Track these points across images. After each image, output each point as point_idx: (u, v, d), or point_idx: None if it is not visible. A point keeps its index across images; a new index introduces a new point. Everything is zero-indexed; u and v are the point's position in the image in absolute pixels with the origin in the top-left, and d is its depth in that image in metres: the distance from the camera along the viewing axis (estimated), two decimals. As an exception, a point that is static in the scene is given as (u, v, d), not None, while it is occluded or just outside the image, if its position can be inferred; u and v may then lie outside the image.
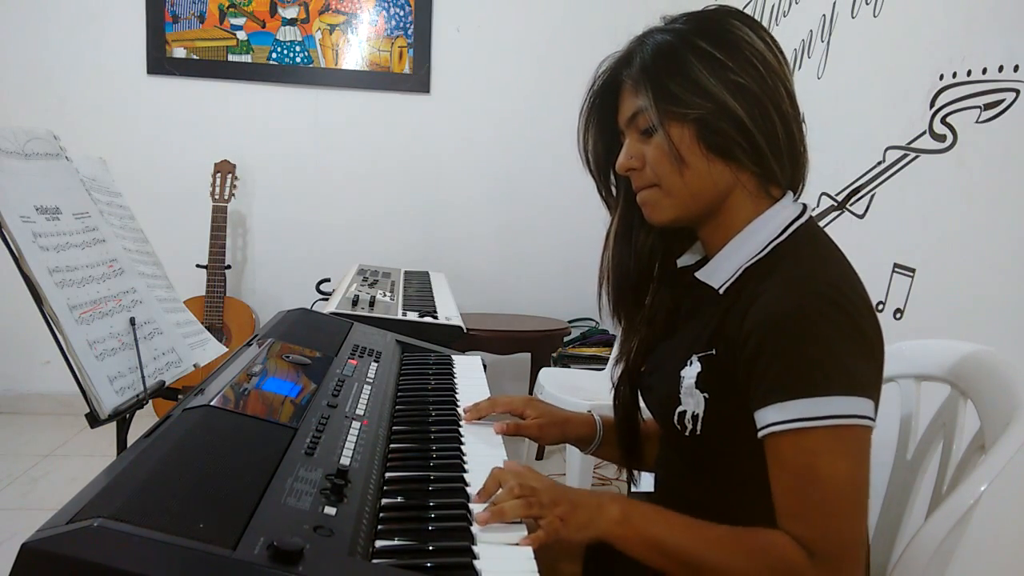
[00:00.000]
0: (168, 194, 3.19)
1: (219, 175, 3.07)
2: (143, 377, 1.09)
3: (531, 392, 2.75)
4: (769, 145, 0.88)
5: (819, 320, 0.79)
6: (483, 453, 1.02)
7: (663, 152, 0.89)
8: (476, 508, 0.83)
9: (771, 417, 0.79)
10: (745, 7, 2.58)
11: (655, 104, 0.88)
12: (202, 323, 1.35)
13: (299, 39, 3.22)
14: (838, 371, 0.78)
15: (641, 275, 1.03)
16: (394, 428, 1.07)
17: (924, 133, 1.58)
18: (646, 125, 0.90)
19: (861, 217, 1.79)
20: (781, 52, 0.91)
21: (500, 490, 0.85)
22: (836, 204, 1.88)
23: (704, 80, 0.86)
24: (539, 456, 2.92)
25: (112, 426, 1.05)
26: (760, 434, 0.81)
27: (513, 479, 0.85)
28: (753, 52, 0.87)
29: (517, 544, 0.78)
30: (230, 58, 3.20)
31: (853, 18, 1.91)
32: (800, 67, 2.16)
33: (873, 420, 0.79)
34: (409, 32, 3.26)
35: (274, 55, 3.22)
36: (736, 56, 0.87)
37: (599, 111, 0.99)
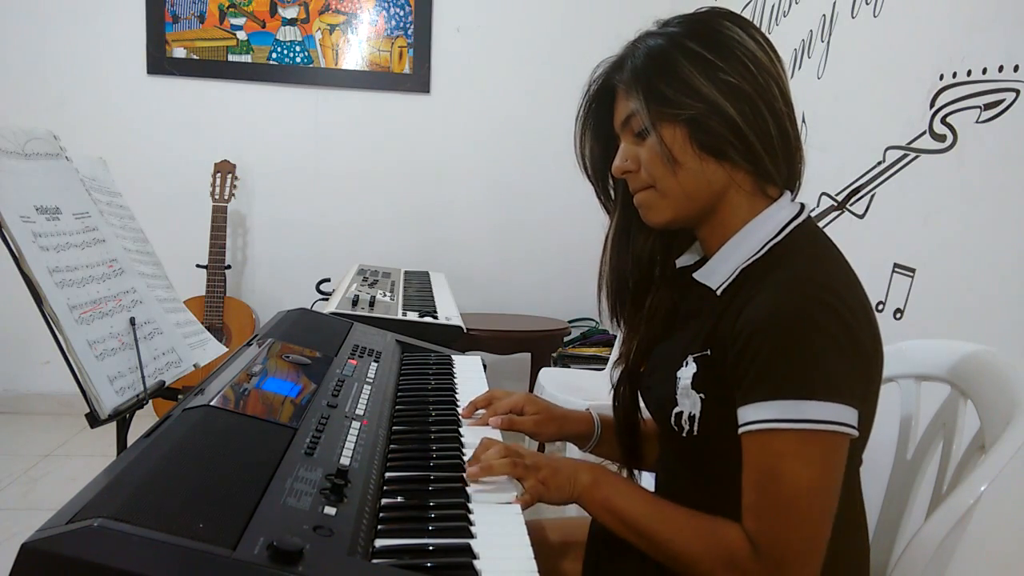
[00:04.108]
0: (168, 194, 3.19)
1: (219, 175, 3.07)
2: (143, 377, 1.09)
3: (531, 392, 2.75)
4: (762, 143, 0.88)
5: (809, 323, 0.79)
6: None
7: (656, 153, 0.90)
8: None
9: (748, 416, 0.80)
10: (745, 8, 2.58)
11: (646, 106, 0.89)
12: (202, 323, 1.35)
13: (299, 39, 3.22)
14: (820, 375, 0.78)
15: (640, 278, 1.03)
16: (394, 428, 1.07)
17: (924, 133, 1.58)
18: (639, 127, 0.91)
19: (861, 217, 1.79)
20: (774, 51, 0.91)
21: (488, 451, 0.92)
22: (836, 204, 1.88)
23: (694, 81, 0.87)
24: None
25: (112, 426, 1.05)
26: (739, 431, 0.82)
27: (500, 444, 0.94)
28: (744, 52, 0.88)
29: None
30: (230, 58, 3.20)
31: (853, 18, 1.91)
32: (800, 67, 2.16)
33: (853, 427, 0.78)
34: (409, 32, 3.26)
35: (274, 55, 3.22)
36: (727, 56, 0.87)
37: (595, 116, 1.00)
